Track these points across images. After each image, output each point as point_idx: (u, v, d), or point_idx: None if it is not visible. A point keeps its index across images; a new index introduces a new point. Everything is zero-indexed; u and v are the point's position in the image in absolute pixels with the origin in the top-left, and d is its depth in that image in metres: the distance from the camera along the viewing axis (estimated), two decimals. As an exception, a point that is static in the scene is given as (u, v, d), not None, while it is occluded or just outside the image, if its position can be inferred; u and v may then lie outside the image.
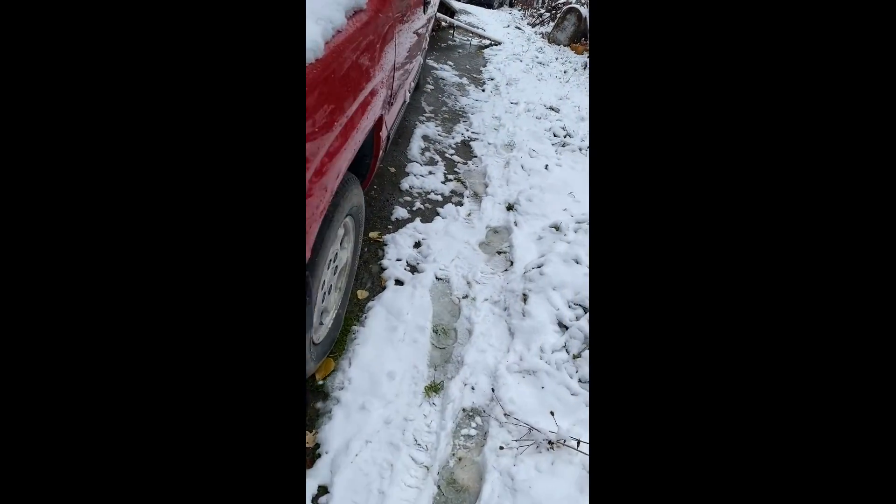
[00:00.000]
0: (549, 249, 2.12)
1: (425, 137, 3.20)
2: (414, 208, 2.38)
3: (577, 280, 1.88)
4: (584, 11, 8.98)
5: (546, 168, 3.04)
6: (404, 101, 2.17)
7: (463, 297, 1.86)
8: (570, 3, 10.05)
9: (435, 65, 5.08)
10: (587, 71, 6.84)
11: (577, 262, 1.98)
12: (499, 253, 2.20)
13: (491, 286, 1.95)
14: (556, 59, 7.05)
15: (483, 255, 2.16)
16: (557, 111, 4.28)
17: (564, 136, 3.67)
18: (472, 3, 13.15)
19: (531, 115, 3.96)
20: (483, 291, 1.91)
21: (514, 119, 3.83)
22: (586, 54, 7.95)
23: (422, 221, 2.27)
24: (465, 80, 4.79)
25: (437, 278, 1.94)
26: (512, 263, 2.10)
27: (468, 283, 1.94)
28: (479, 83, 4.87)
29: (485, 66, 5.70)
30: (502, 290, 1.93)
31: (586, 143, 3.63)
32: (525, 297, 1.83)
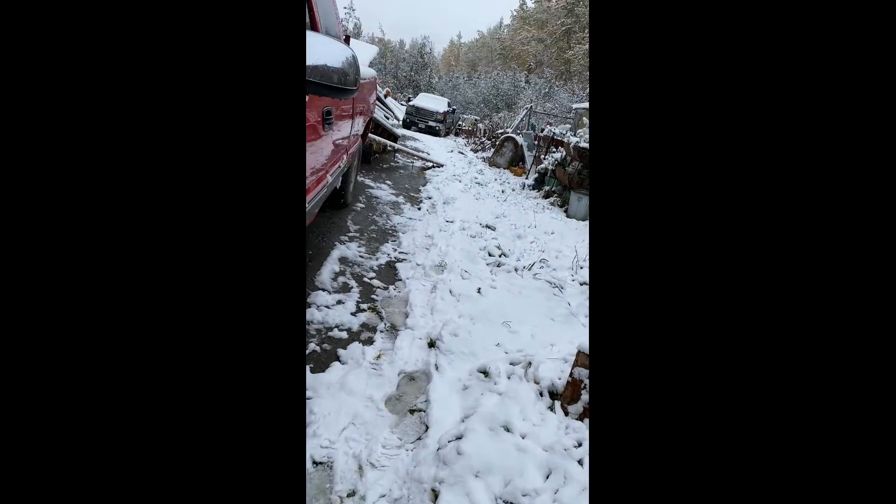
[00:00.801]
0: (475, 406, 1.62)
1: (343, 260, 2.80)
2: (306, 351, 1.86)
3: (509, 460, 1.35)
4: (520, 140, 9.72)
5: (479, 292, 2.67)
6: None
7: (348, 496, 1.27)
8: (507, 132, 10.98)
9: (371, 184, 4.96)
10: (525, 191, 7.05)
11: (508, 430, 1.47)
12: (411, 412, 1.67)
13: (392, 472, 1.38)
14: (496, 179, 7.27)
15: (389, 418, 1.61)
16: (494, 229, 4.10)
17: (500, 255, 3.40)
18: (420, 132, 14.17)
19: (466, 234, 3.73)
20: (380, 482, 1.33)
21: (447, 238, 3.57)
22: (524, 177, 8.38)
23: (312, 371, 1.73)
24: (401, 199, 4.63)
25: (315, 462, 1.35)
26: (427, 429, 1.56)
27: (360, 467, 1.37)
28: (416, 201, 4.73)
29: (424, 185, 5.68)
30: (407, 477, 1.36)
31: (522, 261, 3.36)
32: (435, 495, 1.26)
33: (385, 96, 7.26)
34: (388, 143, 6.50)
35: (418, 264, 2.99)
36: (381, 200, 4.38)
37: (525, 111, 12.25)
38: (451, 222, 4.09)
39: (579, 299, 3.06)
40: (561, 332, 2.48)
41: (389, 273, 2.82)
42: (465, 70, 34.42)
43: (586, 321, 2.82)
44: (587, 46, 24.07)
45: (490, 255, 3.40)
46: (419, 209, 4.41)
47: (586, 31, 24.83)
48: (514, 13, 34.88)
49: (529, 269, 3.23)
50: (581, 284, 3.30)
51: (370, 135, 5.81)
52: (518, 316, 2.50)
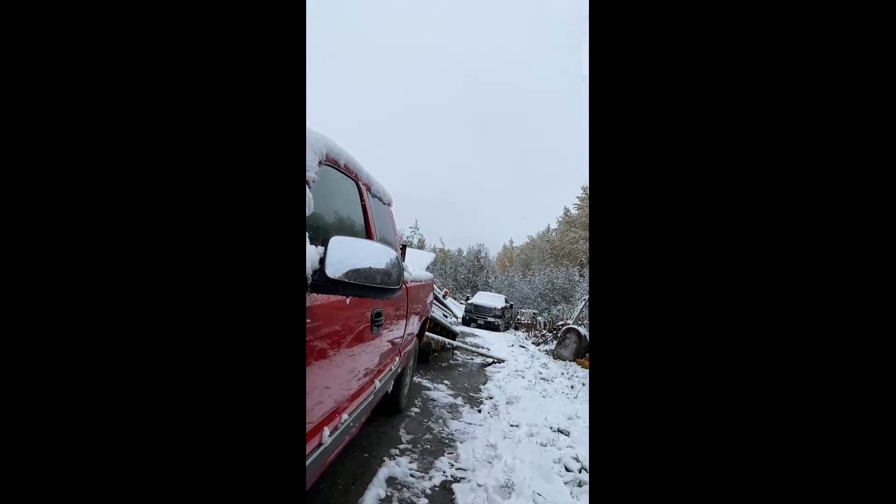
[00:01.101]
0: None
1: (391, 480, 2.37)
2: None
3: None
4: (584, 331, 9.39)
5: (558, 527, 2.06)
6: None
7: None
8: (568, 324, 10.73)
9: (428, 384, 4.69)
10: (597, 385, 6.37)
11: None
12: None
13: None
14: (562, 374, 6.73)
15: None
16: (568, 434, 3.51)
17: (580, 470, 2.78)
18: (479, 328, 14.29)
19: (534, 442, 3.18)
20: None
21: (513, 447, 3.04)
22: (593, 368, 7.75)
23: None
24: (459, 400, 4.25)
25: None
26: None
27: None
28: (476, 402, 4.31)
29: (485, 383, 5.30)
30: None
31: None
32: None
33: (444, 297, 7.57)
34: (447, 340, 6.45)
35: (479, 485, 2.46)
36: (438, 403, 4.03)
37: (583, 302, 12.21)
38: (517, 427, 3.57)
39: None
40: None
41: (444, 498, 2.31)
42: (520, 269, 36.74)
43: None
44: (634, 240, 25.41)
45: (567, 469, 2.78)
46: (479, 411, 3.97)
47: (630, 227, 26.48)
48: (560, 219, 38.79)
49: (620, 490, 2.55)
50: None
51: (427, 333, 5.82)
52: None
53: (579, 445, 3.24)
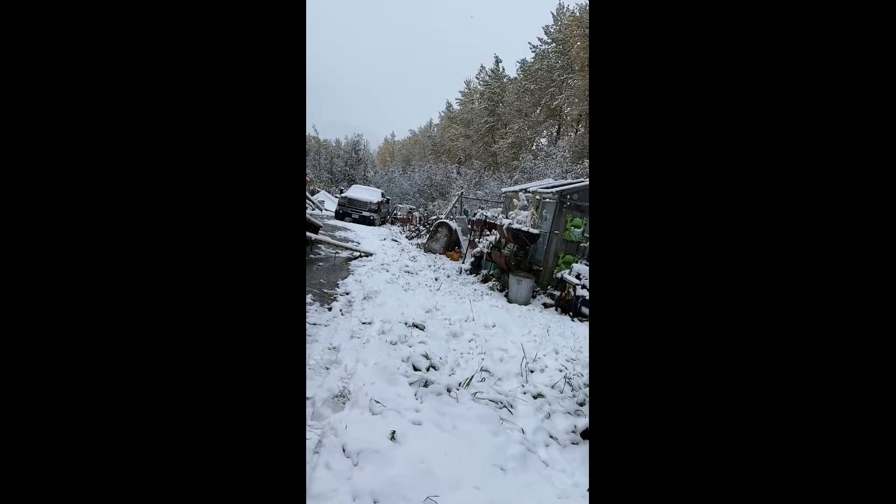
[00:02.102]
0: None
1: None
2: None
3: None
4: (454, 225, 9.37)
5: (392, 438, 1.76)
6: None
7: None
8: (441, 218, 10.68)
9: (274, 281, 4.04)
10: (462, 276, 6.40)
11: None
12: None
13: None
14: (430, 266, 6.61)
15: None
16: (423, 328, 3.27)
17: (428, 368, 2.54)
18: (354, 222, 13.61)
19: (385, 340, 2.86)
20: None
21: (358, 349, 2.67)
22: (460, 261, 7.84)
23: None
24: (308, 298, 3.73)
25: None
26: None
27: None
28: (328, 300, 3.84)
29: (345, 278, 4.84)
30: None
31: (457, 374, 2.52)
32: None
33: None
34: (307, 233, 5.71)
35: (308, 398, 2.04)
36: (281, 302, 3.45)
37: (457, 197, 12.20)
38: (369, 324, 3.22)
39: (535, 420, 2.23)
40: (520, 493, 1.59)
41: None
42: (400, 164, 35.74)
43: (548, 457, 1.96)
44: (510, 140, 25.96)
45: (415, 368, 2.52)
46: (329, 310, 3.52)
47: (507, 126, 26.92)
48: (442, 114, 37.70)
49: (467, 386, 2.38)
50: (535, 398, 2.48)
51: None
52: (452, 474, 1.60)
53: (432, 340, 3.02)
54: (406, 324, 3.28)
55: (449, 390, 2.26)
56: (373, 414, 1.97)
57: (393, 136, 52.45)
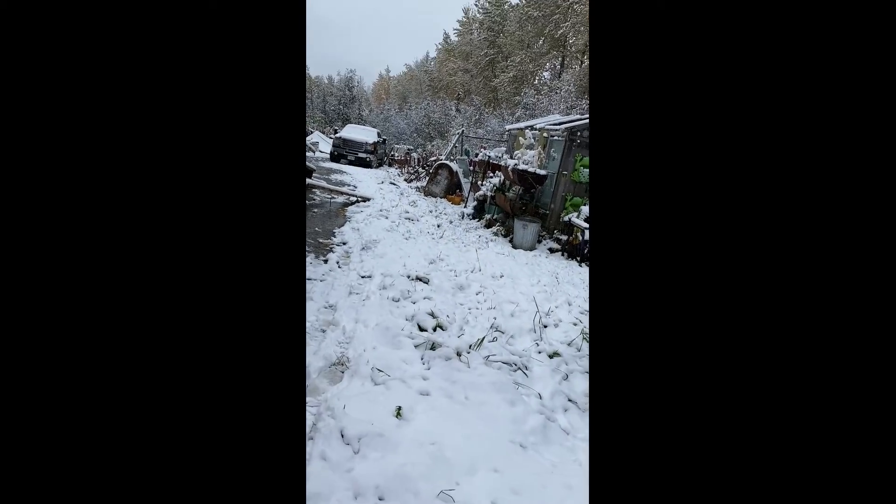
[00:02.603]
0: None
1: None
2: None
3: None
4: (455, 166, 8.90)
5: (398, 415, 1.55)
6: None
7: None
8: (440, 159, 10.15)
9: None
10: (464, 221, 6.09)
11: None
12: None
13: None
14: (430, 211, 6.27)
15: None
16: (427, 282, 3.02)
17: (435, 328, 2.31)
18: (350, 164, 13.05)
19: (386, 297, 2.61)
20: None
21: (357, 307, 2.43)
22: (462, 205, 7.49)
23: None
24: (302, 249, 3.45)
25: None
26: None
27: None
28: (324, 250, 3.56)
29: (341, 226, 4.53)
30: None
31: (466, 334, 2.29)
32: None
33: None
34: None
35: (307, 363, 1.81)
36: (273, 255, 3.17)
37: (457, 136, 11.56)
38: (368, 278, 2.96)
39: (552, 383, 2.03)
40: (543, 476, 1.40)
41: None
42: (396, 102, 34.07)
43: (569, 424, 1.78)
44: (511, 74, 24.48)
45: (421, 328, 2.29)
46: (325, 262, 3.25)
47: (509, 59, 25.25)
48: (439, 46, 35.28)
49: (479, 347, 2.15)
50: (551, 357, 2.27)
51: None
52: (467, 457, 1.40)
53: (438, 295, 2.78)
54: (409, 277, 3.02)
55: (459, 354, 2.04)
56: (375, 384, 1.75)
57: (388, 71, 49.66)
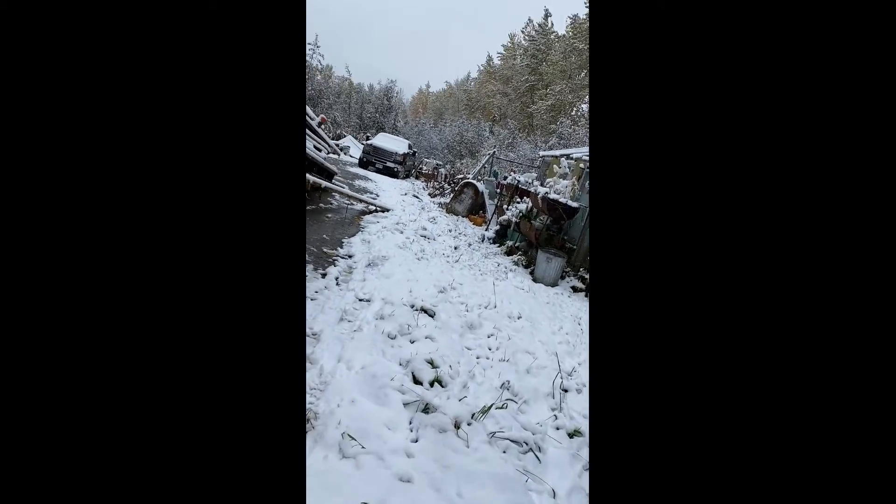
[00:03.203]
0: None
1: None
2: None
3: None
4: (481, 186, 8.53)
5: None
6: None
7: None
8: (468, 178, 9.81)
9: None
10: (484, 245, 5.67)
11: None
12: None
13: None
14: (450, 231, 5.87)
15: None
16: (433, 315, 2.59)
17: (432, 383, 1.87)
18: (378, 172, 12.86)
19: (381, 331, 2.18)
20: None
21: (345, 341, 2.01)
22: (483, 227, 7.08)
23: None
24: (301, 258, 3.07)
25: None
26: None
27: None
28: (325, 262, 3.17)
29: (352, 236, 4.16)
30: None
31: (470, 394, 1.83)
32: None
33: (319, 124, 5.83)
34: (315, 179, 4.98)
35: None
36: (266, 261, 2.79)
37: (487, 157, 11.23)
38: (367, 302, 2.55)
39: (571, 475, 1.56)
40: None
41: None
42: (432, 117, 34.24)
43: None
44: (549, 102, 24.30)
45: (416, 379, 1.86)
46: (322, 276, 2.85)
47: (548, 87, 25.06)
48: (481, 67, 35.47)
49: (483, 417, 1.70)
50: (571, 436, 1.81)
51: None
52: None
53: (442, 334, 2.34)
54: (413, 306, 2.60)
55: (457, 426, 1.59)
56: (343, 457, 1.32)
57: (428, 86, 50.30)
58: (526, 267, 5.13)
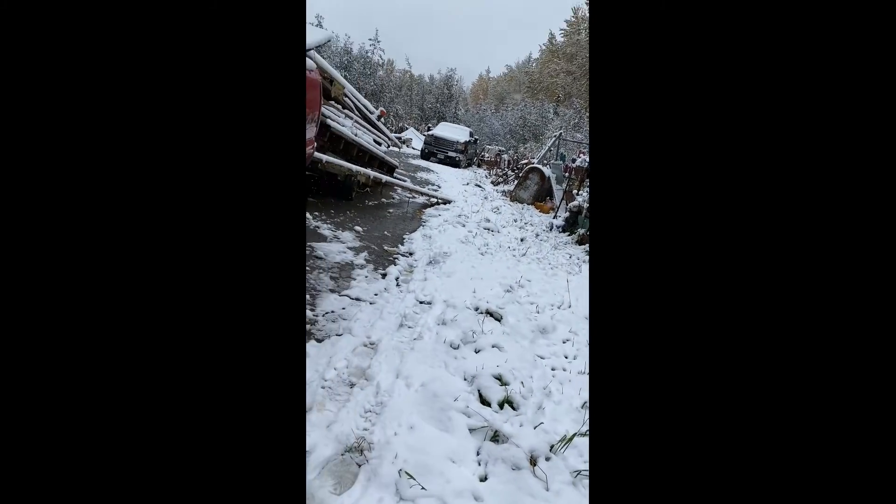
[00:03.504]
0: None
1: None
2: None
3: None
4: (547, 171, 8.03)
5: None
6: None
7: None
8: (532, 163, 9.31)
9: (327, 232, 3.30)
10: (553, 234, 5.27)
11: None
12: None
13: None
14: (515, 221, 5.53)
15: None
16: (500, 319, 2.34)
17: (502, 404, 1.62)
18: (440, 162, 12.75)
19: (443, 339, 1.98)
20: None
21: (404, 351, 1.83)
22: (551, 215, 6.64)
23: None
24: (361, 258, 2.95)
25: None
26: None
27: None
28: (385, 261, 3.04)
29: (413, 231, 4.01)
30: None
31: (546, 417, 1.55)
32: None
33: (379, 118, 5.75)
34: (373, 174, 4.90)
35: (309, 450, 1.25)
36: (325, 262, 2.70)
37: (553, 139, 10.61)
38: (428, 304, 2.36)
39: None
40: None
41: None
42: (493, 103, 33.47)
43: None
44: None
45: (482, 399, 1.62)
46: (383, 277, 2.71)
47: (618, 60, 23.35)
48: (543, 47, 33.88)
49: (564, 447, 1.43)
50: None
51: (354, 167, 4.25)
52: None
53: (510, 341, 2.08)
54: (477, 309, 2.36)
55: (534, 461, 1.34)
56: (400, 500, 1.13)
57: (488, 72, 49.28)
58: (600, 257, 4.68)
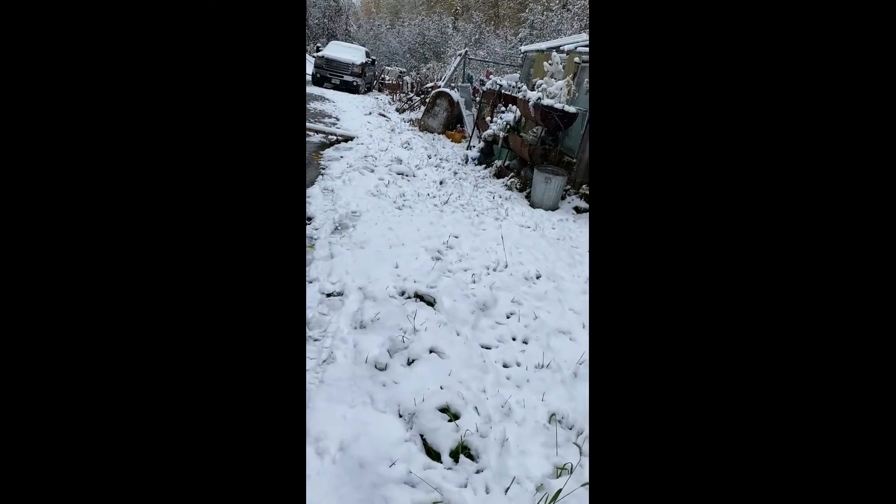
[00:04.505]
0: None
1: None
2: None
3: None
4: (456, 96, 7.29)
5: None
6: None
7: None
8: (439, 87, 8.43)
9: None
10: (470, 167, 4.78)
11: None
12: None
13: None
14: (429, 157, 4.90)
15: None
16: (432, 303, 1.85)
17: (456, 456, 1.17)
18: (335, 88, 11.18)
19: (363, 359, 1.44)
20: None
21: (311, 394, 1.27)
22: (464, 144, 6.08)
23: None
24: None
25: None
26: None
27: None
28: (276, 235, 2.32)
29: (310, 185, 3.23)
30: None
31: (514, 460, 1.15)
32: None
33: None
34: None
35: None
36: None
37: (458, 58, 9.67)
38: (339, 297, 1.78)
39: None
40: None
41: None
42: (388, 18, 30.17)
43: None
44: (516, -14, 21.29)
45: (430, 451, 1.16)
46: (274, 262, 2.03)
47: (514, -33, 21.85)
48: (435, -49, 30.40)
49: (544, 505, 1.05)
50: None
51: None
52: None
53: (451, 335, 1.62)
54: (403, 294, 1.84)
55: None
56: None
57: (378, -20, 43.86)
58: (521, 190, 4.34)
